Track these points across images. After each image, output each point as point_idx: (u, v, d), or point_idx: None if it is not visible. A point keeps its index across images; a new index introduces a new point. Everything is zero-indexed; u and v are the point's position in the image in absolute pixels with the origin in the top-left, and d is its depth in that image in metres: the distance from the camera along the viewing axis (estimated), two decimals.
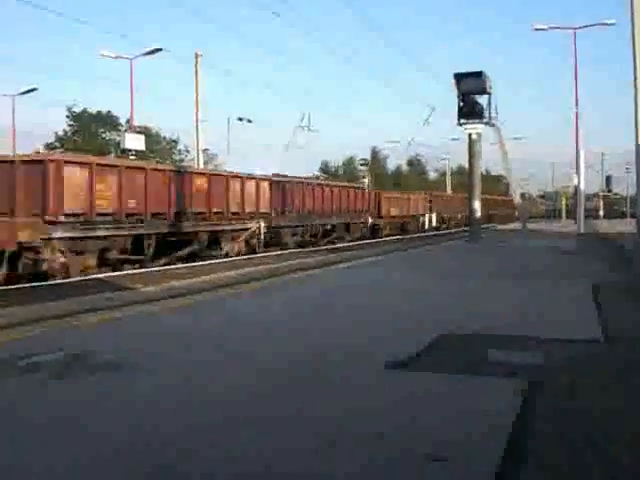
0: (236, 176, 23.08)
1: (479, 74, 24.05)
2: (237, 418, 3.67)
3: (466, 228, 30.67)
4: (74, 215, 15.69)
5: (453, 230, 46.11)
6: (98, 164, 16.73)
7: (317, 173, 76.67)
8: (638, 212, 17.31)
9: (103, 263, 16.54)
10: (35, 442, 3.34)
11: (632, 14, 14.75)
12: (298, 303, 8.62)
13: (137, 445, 3.26)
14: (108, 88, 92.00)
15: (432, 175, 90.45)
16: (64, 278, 14.62)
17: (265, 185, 24.54)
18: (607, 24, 34.23)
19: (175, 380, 4.50)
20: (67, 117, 54.88)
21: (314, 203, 28.94)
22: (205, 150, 37.18)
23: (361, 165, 56.47)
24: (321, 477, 2.88)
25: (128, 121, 39.67)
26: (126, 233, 17.21)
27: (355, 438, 3.28)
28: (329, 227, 30.90)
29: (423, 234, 40.19)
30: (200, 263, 18.96)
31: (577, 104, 35.14)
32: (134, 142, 29.35)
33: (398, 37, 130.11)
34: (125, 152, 29.40)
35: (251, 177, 23.94)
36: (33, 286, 13.44)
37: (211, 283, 13.12)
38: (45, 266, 14.62)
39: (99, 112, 56.14)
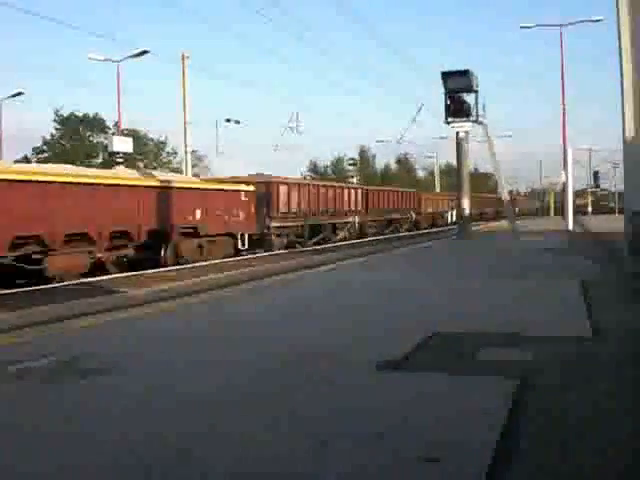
0: (344, 186, 35.64)
1: (465, 72, 24.06)
2: (231, 418, 3.67)
3: (475, 222, 35.78)
4: (282, 213, 27.21)
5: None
6: (292, 183, 29.30)
7: (307, 173, 76.69)
8: (626, 211, 17.06)
9: (288, 243, 27.45)
10: (31, 444, 3.31)
11: (617, 12, 14.80)
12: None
13: (135, 445, 3.26)
14: (98, 89, 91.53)
15: (420, 173, 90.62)
16: (269, 251, 25.22)
17: (359, 191, 36.55)
18: (594, 20, 34.35)
19: (168, 381, 4.50)
20: (54, 121, 54.64)
21: (384, 204, 39.93)
22: (193, 152, 37.10)
23: (350, 165, 56.44)
24: (314, 477, 2.88)
25: (116, 124, 39.41)
26: (299, 224, 28.67)
27: (347, 438, 3.28)
28: (390, 222, 41.05)
29: (446, 227, 47.05)
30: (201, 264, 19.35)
31: (564, 100, 35.42)
32: (122, 145, 29.18)
33: (390, 36, 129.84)
34: (112, 155, 29.25)
35: (352, 187, 36.88)
36: (25, 291, 13.69)
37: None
38: (267, 244, 25.83)
39: (86, 115, 55.84)
